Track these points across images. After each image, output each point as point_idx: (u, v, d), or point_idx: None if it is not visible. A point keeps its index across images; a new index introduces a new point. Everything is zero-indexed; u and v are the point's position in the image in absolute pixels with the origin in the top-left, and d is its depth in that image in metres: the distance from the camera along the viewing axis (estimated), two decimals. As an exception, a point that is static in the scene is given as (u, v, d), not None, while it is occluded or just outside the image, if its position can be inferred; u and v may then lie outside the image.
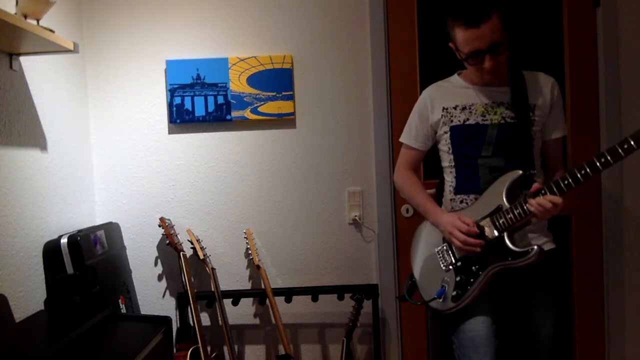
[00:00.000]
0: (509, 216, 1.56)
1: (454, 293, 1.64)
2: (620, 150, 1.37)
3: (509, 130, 1.64)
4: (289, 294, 2.25)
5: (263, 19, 2.29)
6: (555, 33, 2.26)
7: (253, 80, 2.27)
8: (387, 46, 2.27)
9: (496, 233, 1.58)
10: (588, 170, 1.43)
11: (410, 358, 2.33)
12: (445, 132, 1.72)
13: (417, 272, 1.82)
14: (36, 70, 1.86)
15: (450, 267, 1.68)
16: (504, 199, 1.58)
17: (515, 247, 1.55)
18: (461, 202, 1.72)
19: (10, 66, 1.71)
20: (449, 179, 1.76)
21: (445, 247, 1.71)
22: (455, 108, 1.70)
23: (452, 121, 1.70)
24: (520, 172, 1.59)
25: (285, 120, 2.30)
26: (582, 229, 2.26)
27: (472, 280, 1.61)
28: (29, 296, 1.74)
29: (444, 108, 1.72)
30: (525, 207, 1.52)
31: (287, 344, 2.14)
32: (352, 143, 2.30)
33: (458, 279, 1.64)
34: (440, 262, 1.72)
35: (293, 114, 2.29)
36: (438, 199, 1.86)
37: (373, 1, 2.25)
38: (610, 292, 2.23)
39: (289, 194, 2.33)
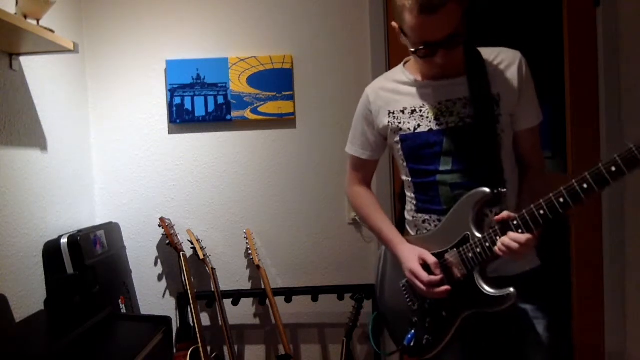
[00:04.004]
0: (478, 250, 1.28)
1: (425, 341, 1.42)
2: (607, 175, 1.09)
3: (469, 135, 1.34)
4: (289, 294, 2.25)
5: (263, 19, 2.29)
6: (555, 33, 2.26)
7: (253, 80, 2.27)
8: (387, 46, 2.26)
9: (465, 271, 1.32)
10: (568, 199, 1.14)
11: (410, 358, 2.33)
12: (397, 142, 1.43)
13: (383, 304, 1.60)
14: (36, 70, 1.86)
15: (418, 306, 1.44)
16: (472, 227, 1.30)
17: (489, 289, 1.28)
18: (423, 222, 1.45)
19: (10, 66, 1.72)
20: (409, 194, 1.49)
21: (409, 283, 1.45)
22: (403, 112, 1.41)
23: (400, 129, 1.41)
24: (488, 191, 1.29)
25: (285, 120, 2.30)
26: (582, 229, 2.26)
27: (442, 326, 1.38)
28: (29, 296, 1.74)
29: (389, 112, 1.43)
30: (494, 243, 1.26)
31: (287, 344, 2.13)
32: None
33: (427, 324, 1.42)
34: (407, 299, 1.47)
35: (293, 114, 2.29)
36: (401, 209, 1.61)
37: (373, 1, 2.25)
38: (610, 292, 2.23)
39: (289, 194, 2.33)
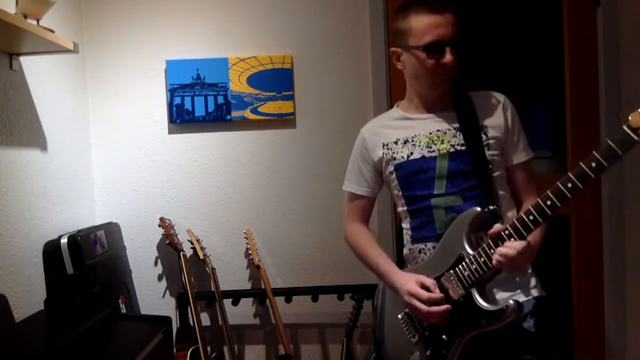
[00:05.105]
0: (474, 267, 1.28)
1: None
2: (589, 171, 1.13)
3: (461, 160, 1.40)
4: (289, 294, 2.25)
5: (263, 19, 2.29)
6: (555, 33, 2.26)
7: (253, 80, 2.27)
8: (387, 46, 2.26)
9: (462, 290, 1.31)
10: (555, 200, 1.16)
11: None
12: (391, 173, 1.49)
13: (383, 345, 1.56)
14: (36, 70, 1.86)
15: (418, 337, 1.41)
16: (466, 246, 1.32)
17: (488, 305, 1.27)
18: (420, 252, 1.47)
19: (10, 66, 1.71)
20: (406, 226, 1.52)
21: (408, 313, 1.44)
22: (396, 143, 1.48)
23: (394, 158, 1.47)
24: (478, 209, 1.33)
25: (285, 120, 2.30)
26: (582, 229, 2.26)
27: (444, 352, 1.35)
28: (29, 296, 1.74)
29: (384, 145, 1.50)
30: (489, 257, 1.27)
31: (287, 344, 2.14)
32: (352, 143, 2.27)
33: (428, 353, 1.38)
34: (406, 332, 1.44)
35: (293, 114, 2.29)
36: (400, 248, 1.62)
37: (373, 1, 2.25)
38: (610, 292, 2.23)
39: (289, 194, 2.33)
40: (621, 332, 2.23)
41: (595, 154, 1.12)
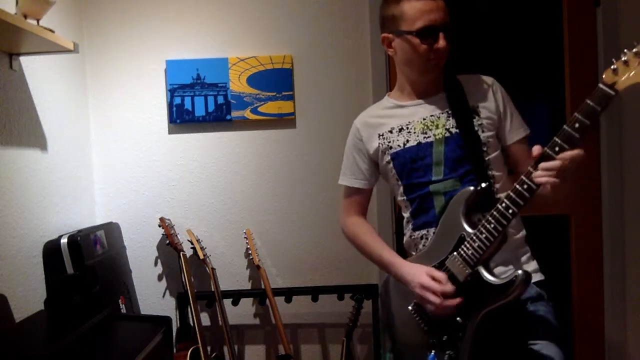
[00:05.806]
0: (477, 245, 1.28)
1: (447, 358, 1.37)
2: (573, 132, 1.14)
3: (458, 143, 1.40)
4: (289, 294, 2.25)
5: (263, 19, 2.29)
6: (555, 33, 2.26)
7: (253, 80, 2.27)
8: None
9: (469, 269, 1.30)
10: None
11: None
12: (388, 163, 1.49)
13: (396, 339, 1.53)
14: (36, 70, 1.86)
15: (431, 326, 1.39)
16: (465, 226, 1.32)
17: (496, 279, 1.27)
18: (421, 238, 1.47)
19: (10, 66, 1.71)
20: (406, 214, 1.53)
21: (418, 303, 1.41)
22: (391, 132, 1.48)
23: (391, 147, 1.47)
24: (472, 188, 1.34)
25: (285, 120, 2.30)
26: (582, 229, 2.26)
27: (460, 334, 1.33)
28: (29, 296, 1.74)
29: (379, 135, 1.50)
30: (490, 232, 1.26)
31: (287, 344, 2.14)
32: (352, 143, 2.30)
33: (445, 338, 1.37)
34: (419, 322, 1.41)
35: (293, 114, 2.29)
36: (400, 237, 1.63)
37: (373, 1, 2.25)
38: (610, 292, 2.23)
39: (289, 194, 2.33)
40: (621, 332, 2.23)
41: (577, 114, 1.13)
